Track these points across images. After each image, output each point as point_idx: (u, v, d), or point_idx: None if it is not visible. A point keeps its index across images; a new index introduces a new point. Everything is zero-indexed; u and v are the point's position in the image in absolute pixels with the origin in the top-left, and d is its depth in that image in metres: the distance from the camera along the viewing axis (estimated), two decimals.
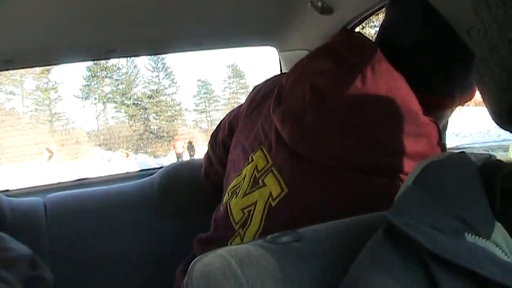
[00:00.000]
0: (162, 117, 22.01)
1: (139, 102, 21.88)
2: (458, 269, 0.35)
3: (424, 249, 0.36)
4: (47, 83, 20.51)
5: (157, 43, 1.37)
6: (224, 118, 1.09)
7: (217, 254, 0.49)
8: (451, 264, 0.35)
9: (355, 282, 0.39)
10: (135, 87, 22.15)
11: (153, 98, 22.04)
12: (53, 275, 1.16)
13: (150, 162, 17.23)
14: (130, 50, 1.42)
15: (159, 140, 21.21)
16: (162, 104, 22.20)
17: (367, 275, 0.39)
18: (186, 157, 16.12)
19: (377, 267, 0.39)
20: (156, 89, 22.30)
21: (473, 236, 0.38)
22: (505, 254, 0.37)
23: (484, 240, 0.38)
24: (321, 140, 0.75)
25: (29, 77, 20.03)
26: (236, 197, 0.84)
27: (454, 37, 0.75)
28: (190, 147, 17.05)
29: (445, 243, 0.36)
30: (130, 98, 21.77)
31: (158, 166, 1.54)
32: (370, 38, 0.87)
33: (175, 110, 22.58)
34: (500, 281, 0.34)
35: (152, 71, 22.41)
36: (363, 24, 1.16)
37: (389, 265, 0.39)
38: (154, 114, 22.05)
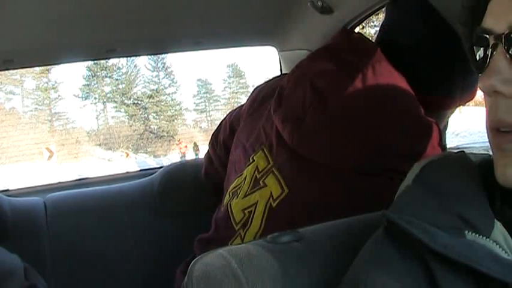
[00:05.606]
0: (162, 117, 22.00)
1: (139, 102, 21.87)
2: (458, 266, 0.35)
3: (424, 247, 0.37)
4: (47, 83, 20.53)
5: (157, 43, 1.37)
6: (225, 118, 1.09)
7: (217, 254, 0.49)
8: (451, 262, 0.35)
9: (355, 282, 0.39)
10: (135, 86, 22.17)
11: (153, 98, 22.03)
12: (53, 274, 1.16)
13: (150, 162, 17.21)
14: (131, 50, 1.42)
15: (159, 140, 21.19)
16: (162, 103, 22.19)
17: (367, 274, 0.39)
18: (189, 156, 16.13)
19: (377, 266, 0.39)
20: (156, 89, 22.29)
21: (473, 233, 0.38)
22: (505, 252, 0.37)
23: (484, 238, 0.38)
24: (321, 141, 0.75)
25: (29, 77, 20.05)
26: (237, 197, 0.84)
27: (454, 37, 0.75)
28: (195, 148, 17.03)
29: (445, 241, 0.37)
30: (130, 98, 21.76)
31: (158, 166, 1.54)
32: (370, 38, 0.87)
33: (175, 110, 22.58)
34: (500, 278, 0.34)
35: (152, 71, 22.43)
36: (363, 24, 1.16)
37: (389, 264, 0.39)
38: (154, 114, 22.05)
